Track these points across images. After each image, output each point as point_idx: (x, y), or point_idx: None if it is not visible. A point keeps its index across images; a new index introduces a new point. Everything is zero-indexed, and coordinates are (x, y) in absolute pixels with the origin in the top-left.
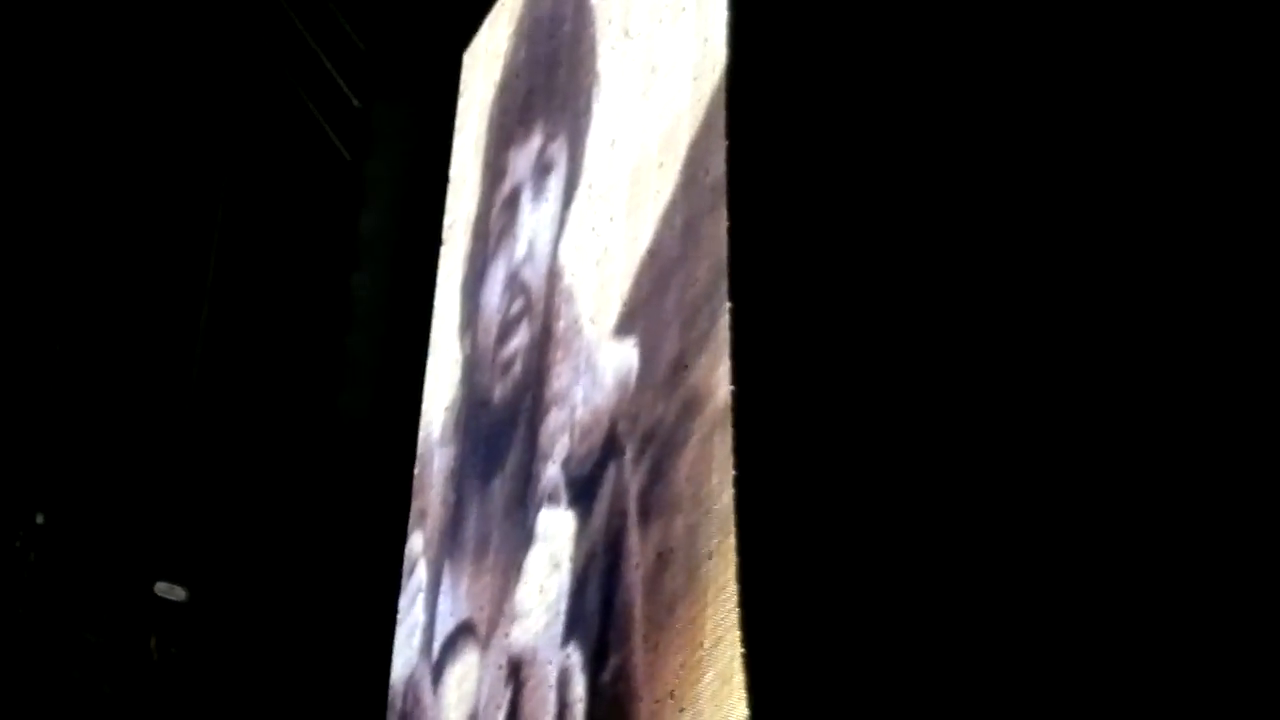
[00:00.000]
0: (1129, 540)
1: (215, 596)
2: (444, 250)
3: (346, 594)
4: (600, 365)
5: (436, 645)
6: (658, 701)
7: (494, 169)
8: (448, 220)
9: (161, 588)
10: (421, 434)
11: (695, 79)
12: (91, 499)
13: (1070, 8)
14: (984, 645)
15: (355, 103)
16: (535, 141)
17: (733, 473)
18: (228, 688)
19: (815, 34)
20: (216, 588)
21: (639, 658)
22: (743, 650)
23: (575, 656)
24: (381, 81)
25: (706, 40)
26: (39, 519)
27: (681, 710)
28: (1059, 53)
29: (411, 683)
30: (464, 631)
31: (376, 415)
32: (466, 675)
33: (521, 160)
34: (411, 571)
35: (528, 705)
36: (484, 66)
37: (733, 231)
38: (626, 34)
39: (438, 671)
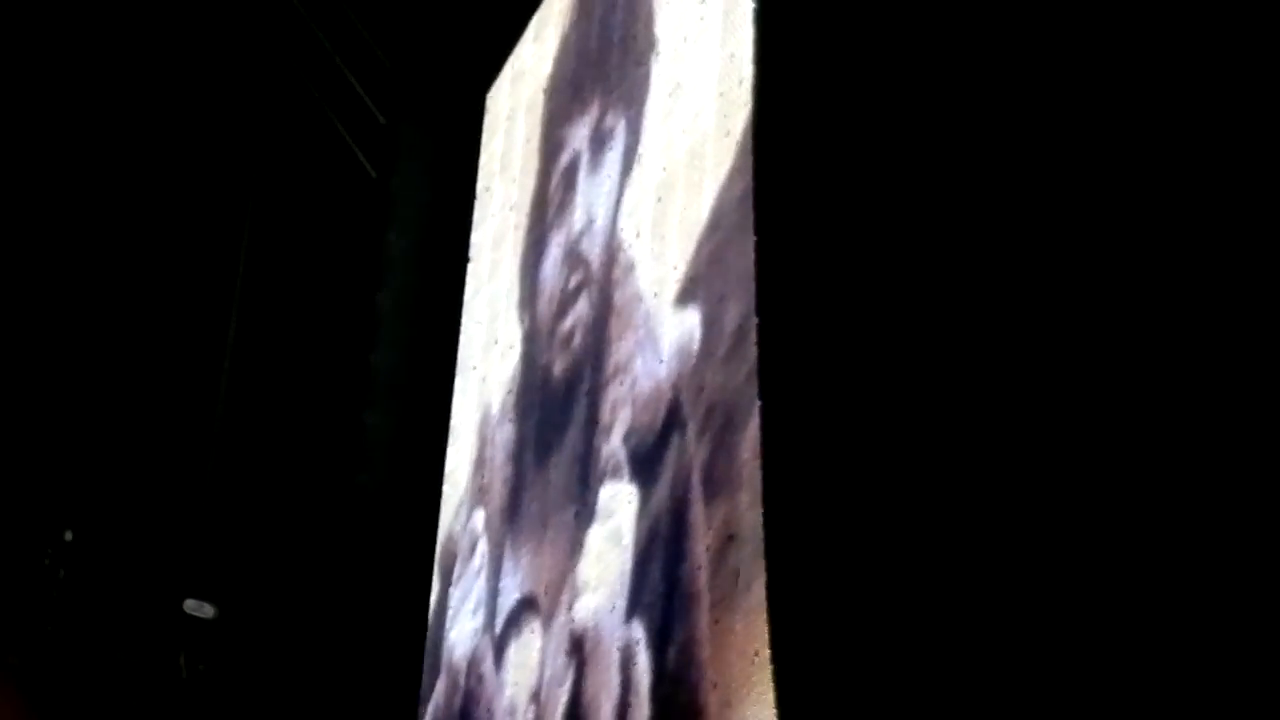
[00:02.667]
0: (1157, 549)
1: (244, 614)
2: (470, 268)
3: (374, 610)
4: (661, 336)
5: (499, 621)
6: (722, 679)
7: (550, 145)
8: (474, 237)
9: (190, 605)
10: (479, 413)
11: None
12: (120, 516)
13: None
14: (1013, 646)
15: (381, 119)
16: (592, 113)
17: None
18: (256, 705)
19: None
20: (245, 605)
21: (704, 634)
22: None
23: (639, 633)
24: (407, 98)
25: None
26: (68, 536)
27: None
28: (1091, 56)
29: (474, 659)
30: (526, 607)
31: (403, 430)
32: (529, 651)
33: (578, 133)
34: (473, 549)
35: (591, 682)
36: (515, 77)
37: (760, 248)
38: None
39: (500, 647)
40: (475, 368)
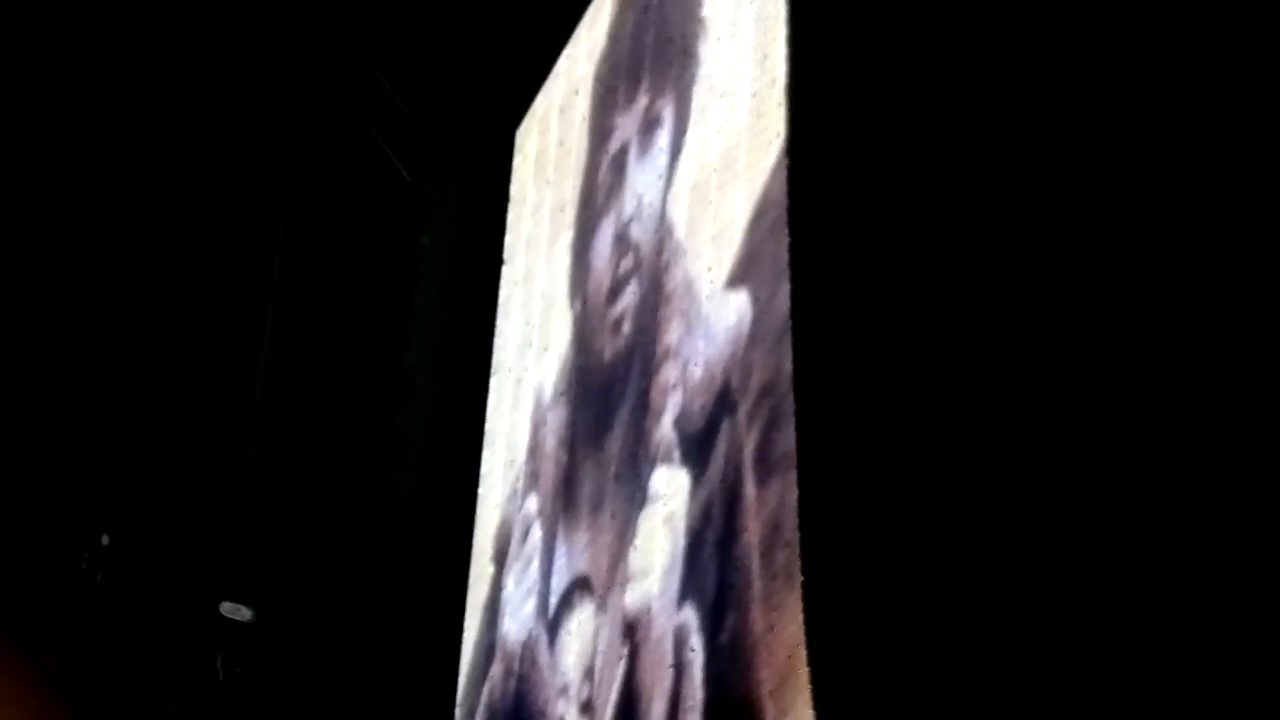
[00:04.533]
0: (1177, 555)
1: (281, 616)
2: (504, 270)
3: (410, 612)
4: (712, 318)
5: (552, 604)
6: (778, 661)
7: (600, 131)
8: (508, 240)
9: (227, 608)
10: (533, 400)
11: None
12: (157, 520)
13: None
14: (1049, 644)
15: (414, 122)
16: (642, 99)
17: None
18: (293, 708)
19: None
20: (282, 608)
21: (756, 619)
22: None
23: (691, 616)
24: (441, 100)
25: None
26: (105, 540)
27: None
28: (1131, 52)
29: (528, 645)
30: (580, 590)
31: (437, 433)
32: (583, 633)
33: (628, 119)
34: (526, 534)
35: (644, 666)
36: (551, 79)
37: (794, 249)
38: None
39: (553, 629)
40: (510, 370)
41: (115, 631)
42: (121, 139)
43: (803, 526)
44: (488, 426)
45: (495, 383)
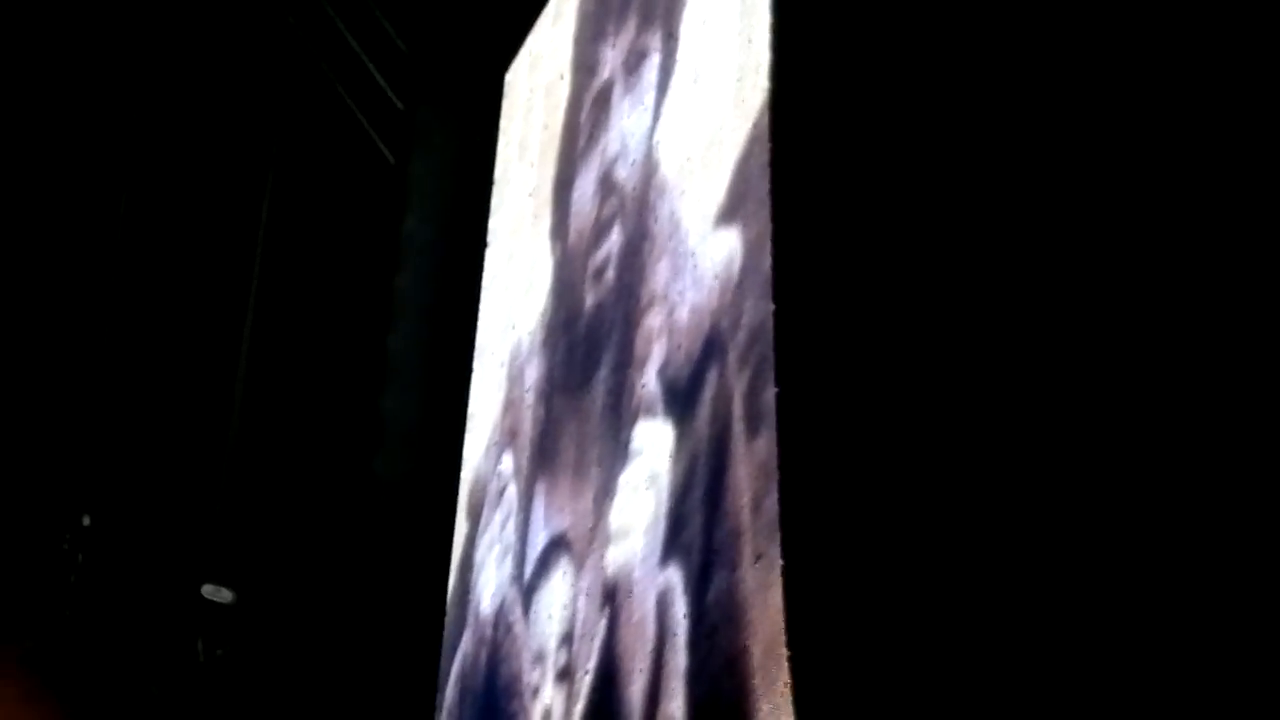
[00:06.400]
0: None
1: (261, 598)
2: (489, 253)
3: (392, 594)
4: (700, 258)
5: (528, 567)
6: (766, 622)
7: (585, 66)
8: (492, 223)
9: (208, 590)
10: (510, 352)
11: None
12: (138, 501)
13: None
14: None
15: (399, 105)
16: (629, 31)
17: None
18: (274, 689)
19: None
20: (263, 590)
21: (746, 573)
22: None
23: (675, 577)
24: (425, 84)
25: None
26: (86, 521)
27: None
28: (1106, 47)
29: (502, 612)
30: (557, 549)
31: (420, 415)
32: (559, 594)
33: (614, 53)
34: (501, 494)
35: (624, 632)
36: (534, 60)
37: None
38: None
39: (529, 594)
40: (493, 353)
41: (96, 612)
42: (102, 117)
43: (783, 485)
44: (471, 409)
45: (478, 365)
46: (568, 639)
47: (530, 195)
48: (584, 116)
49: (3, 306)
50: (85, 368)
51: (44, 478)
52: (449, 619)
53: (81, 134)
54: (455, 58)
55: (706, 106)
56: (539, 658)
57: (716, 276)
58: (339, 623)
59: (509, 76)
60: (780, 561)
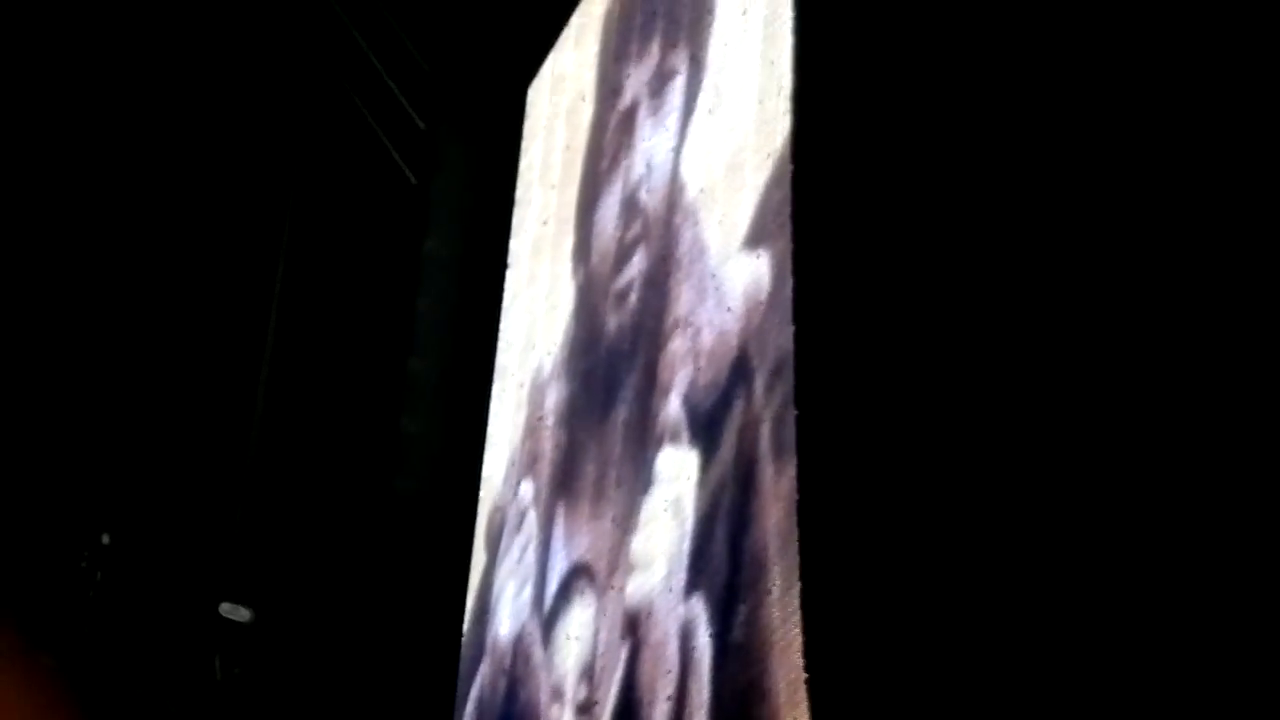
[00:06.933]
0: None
1: (280, 617)
2: (509, 274)
3: (410, 614)
4: (727, 282)
5: (549, 598)
6: (795, 657)
7: (609, 85)
8: (513, 244)
9: (226, 608)
10: (531, 375)
11: None
12: (157, 519)
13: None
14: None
15: (420, 125)
16: (654, 54)
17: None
18: (291, 709)
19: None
20: (281, 608)
21: (774, 602)
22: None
23: (699, 608)
24: (447, 104)
25: None
26: (105, 539)
27: None
28: (1136, 59)
29: (520, 642)
30: (579, 580)
31: (440, 436)
32: (580, 629)
33: (639, 74)
34: (521, 521)
35: (646, 663)
36: (556, 81)
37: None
38: None
39: (549, 625)
40: (513, 374)
41: (115, 630)
42: (124, 135)
43: (802, 518)
44: (490, 430)
45: (498, 387)
46: (588, 671)
47: (551, 217)
48: (607, 139)
49: (26, 329)
50: (107, 386)
51: (63, 496)
52: (465, 645)
53: (104, 152)
54: (477, 78)
55: (731, 129)
56: (557, 694)
57: (743, 301)
58: (356, 642)
59: (530, 97)
60: (799, 596)
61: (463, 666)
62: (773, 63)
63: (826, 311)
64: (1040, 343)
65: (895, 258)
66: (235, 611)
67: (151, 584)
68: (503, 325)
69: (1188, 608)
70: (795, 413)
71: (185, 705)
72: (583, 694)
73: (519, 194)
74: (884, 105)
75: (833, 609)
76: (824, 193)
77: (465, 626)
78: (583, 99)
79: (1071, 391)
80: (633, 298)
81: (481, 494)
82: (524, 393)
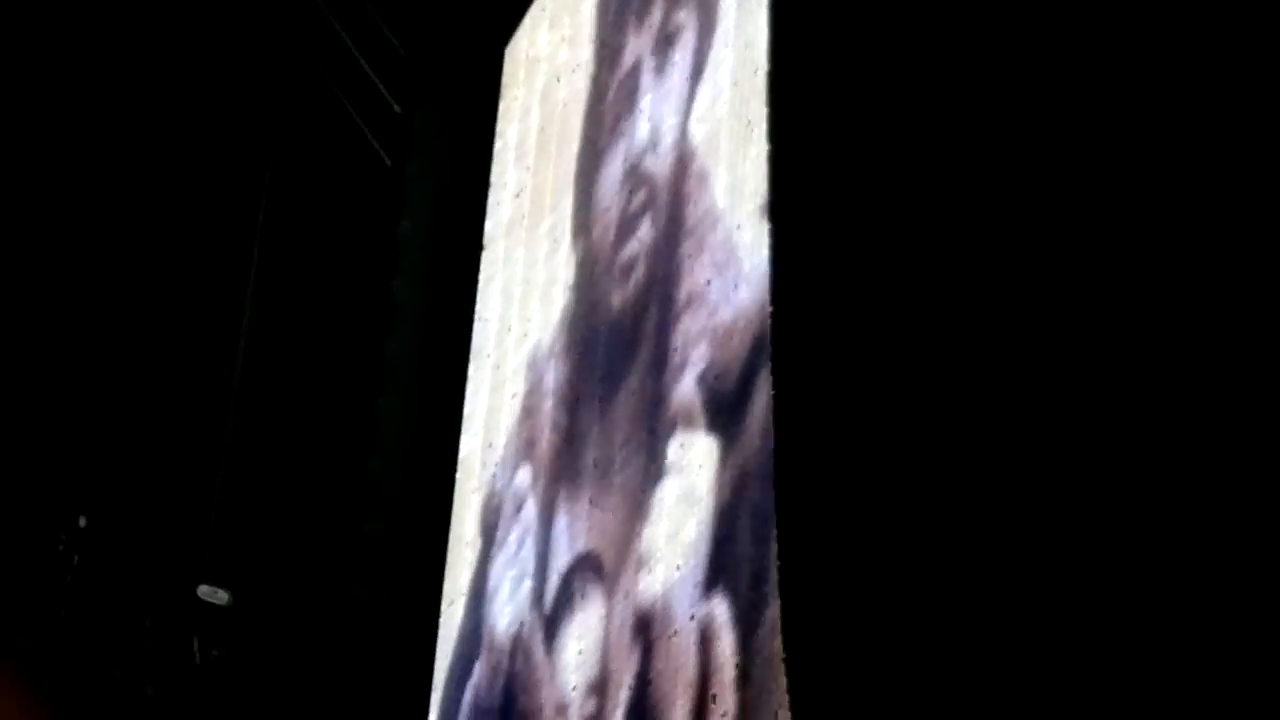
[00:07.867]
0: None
1: (258, 600)
2: (484, 255)
3: (388, 596)
4: (743, 253)
5: (550, 592)
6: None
7: (609, 49)
8: (488, 225)
9: (204, 590)
10: (528, 357)
11: None
12: (134, 501)
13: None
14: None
15: (395, 107)
16: (656, 14)
17: None
18: (270, 691)
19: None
20: (259, 591)
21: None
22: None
23: (722, 608)
24: (422, 86)
25: None
26: (82, 522)
27: None
28: (1103, 45)
29: (520, 639)
30: (583, 574)
31: (416, 417)
32: (587, 630)
33: (641, 37)
34: (518, 510)
35: (661, 669)
36: (530, 64)
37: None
38: None
39: (552, 624)
40: (489, 355)
41: (92, 613)
42: (96, 118)
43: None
44: (466, 411)
45: (474, 367)
46: (595, 679)
47: (526, 197)
48: (605, 108)
49: None
50: (81, 369)
51: (40, 479)
52: (455, 640)
53: (76, 134)
54: (452, 60)
55: (743, 87)
56: (561, 709)
57: (765, 269)
58: (335, 623)
59: (504, 79)
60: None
61: (454, 656)
62: (748, 45)
63: (804, 288)
64: (1024, 327)
65: (878, 244)
66: (214, 594)
67: (129, 567)
68: (478, 306)
69: (1174, 603)
70: (773, 392)
71: (164, 688)
72: (590, 709)
73: (494, 176)
74: (868, 79)
75: (814, 607)
76: (801, 165)
77: (456, 621)
78: (557, 80)
79: (1061, 382)
80: (639, 271)
81: (459, 475)
82: (500, 374)
